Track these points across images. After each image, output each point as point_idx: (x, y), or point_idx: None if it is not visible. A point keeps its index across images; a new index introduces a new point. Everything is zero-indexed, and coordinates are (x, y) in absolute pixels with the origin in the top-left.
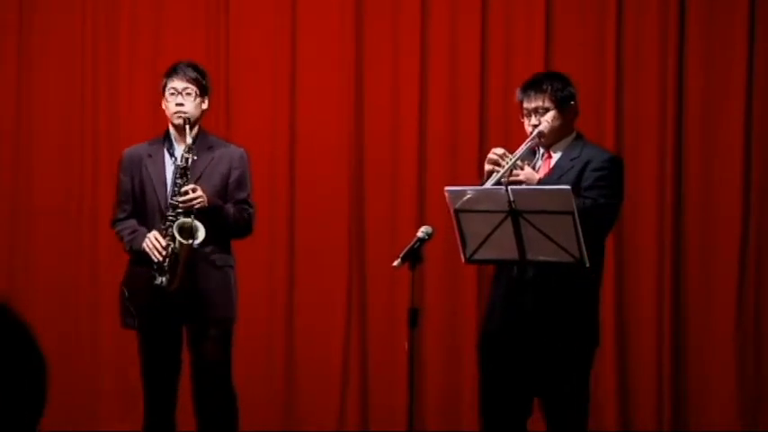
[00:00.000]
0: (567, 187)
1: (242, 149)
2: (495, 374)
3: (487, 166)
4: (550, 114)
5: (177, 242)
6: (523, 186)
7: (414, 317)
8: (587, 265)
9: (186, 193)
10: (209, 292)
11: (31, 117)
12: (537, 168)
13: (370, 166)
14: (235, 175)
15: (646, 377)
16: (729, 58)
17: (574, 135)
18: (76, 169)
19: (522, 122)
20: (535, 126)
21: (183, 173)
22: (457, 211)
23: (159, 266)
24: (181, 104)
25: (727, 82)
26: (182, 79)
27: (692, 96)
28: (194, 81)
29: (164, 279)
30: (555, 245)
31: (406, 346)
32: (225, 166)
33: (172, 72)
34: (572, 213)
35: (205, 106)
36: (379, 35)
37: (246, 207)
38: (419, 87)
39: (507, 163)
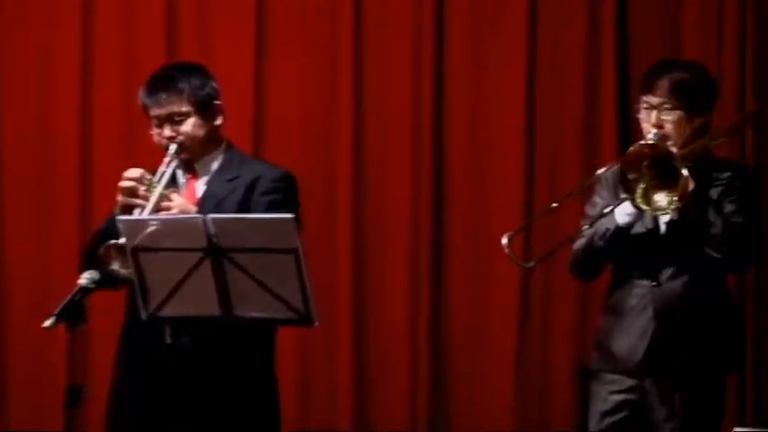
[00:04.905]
0: (290, 216)
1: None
2: None
3: (122, 199)
4: (191, 121)
5: None
6: (229, 215)
7: (75, 396)
8: (316, 322)
9: None
10: None
11: None
12: (181, 194)
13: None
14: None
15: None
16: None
17: (224, 146)
18: None
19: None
20: (170, 138)
21: None
22: (136, 250)
23: None
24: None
25: (503, 79)
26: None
27: (453, 98)
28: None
29: None
30: (271, 296)
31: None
32: None
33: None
34: (295, 252)
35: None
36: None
37: None
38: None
39: (153, 191)
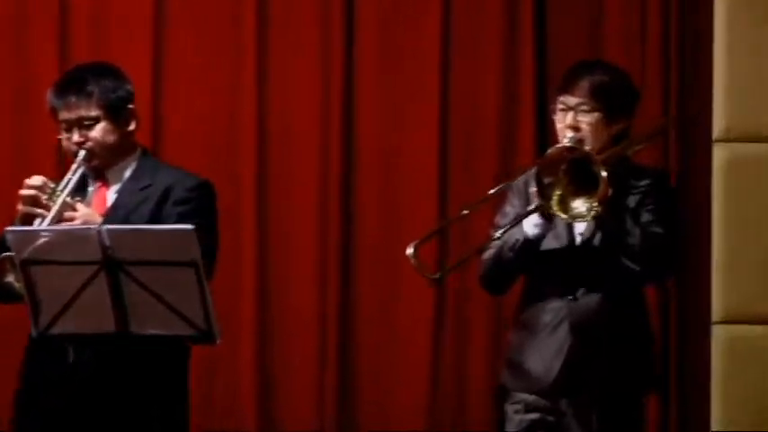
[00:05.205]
0: (189, 227)
1: None
2: None
3: (23, 208)
4: (101, 127)
5: None
6: (124, 227)
7: None
8: (218, 339)
9: None
10: None
11: None
12: (90, 204)
13: None
14: None
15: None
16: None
17: (138, 153)
18: None
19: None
20: (79, 144)
21: None
22: (26, 263)
23: None
24: None
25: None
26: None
27: (363, 88)
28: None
29: None
30: (170, 311)
31: None
32: None
33: None
34: (194, 264)
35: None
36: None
37: None
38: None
39: (55, 200)
